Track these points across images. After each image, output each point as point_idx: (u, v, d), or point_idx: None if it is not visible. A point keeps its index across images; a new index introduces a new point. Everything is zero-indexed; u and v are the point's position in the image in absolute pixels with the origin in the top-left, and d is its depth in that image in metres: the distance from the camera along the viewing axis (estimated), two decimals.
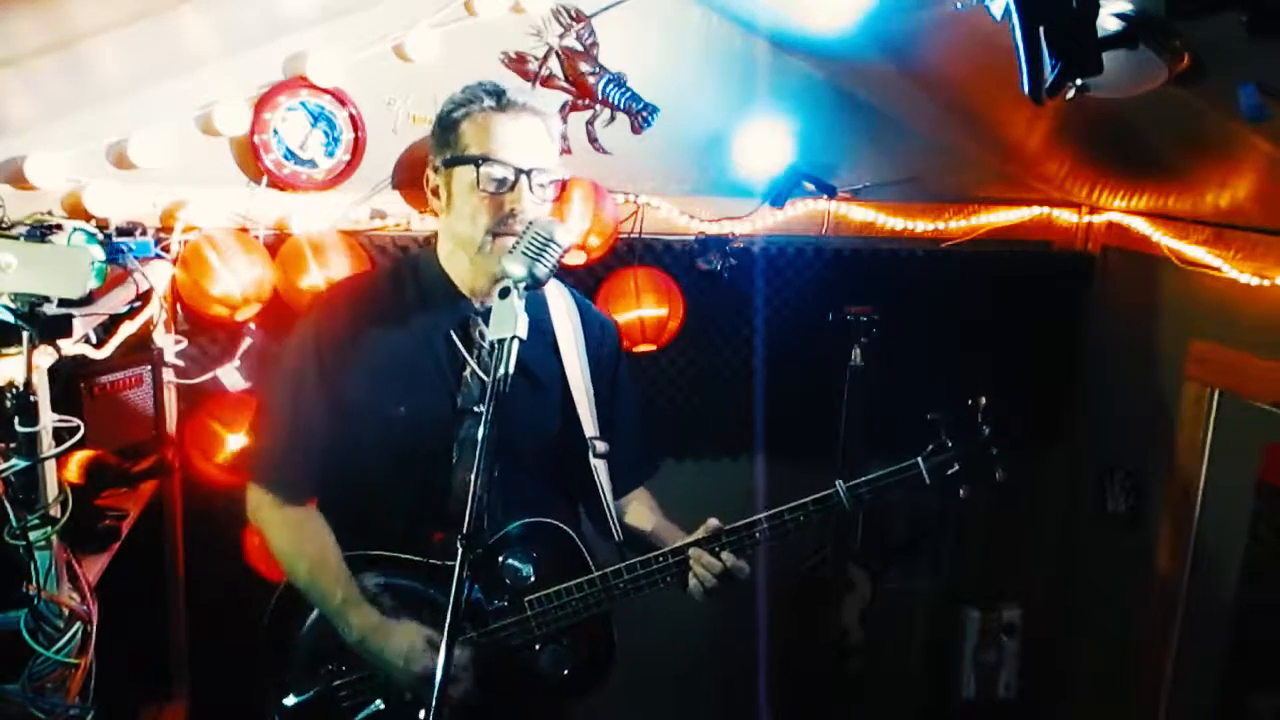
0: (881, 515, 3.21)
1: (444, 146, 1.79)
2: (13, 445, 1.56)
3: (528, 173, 1.73)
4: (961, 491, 1.85)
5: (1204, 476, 2.75)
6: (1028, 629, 3.28)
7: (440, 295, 1.85)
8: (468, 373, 1.83)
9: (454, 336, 1.83)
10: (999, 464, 1.84)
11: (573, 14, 2.60)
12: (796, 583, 3.02)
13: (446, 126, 1.79)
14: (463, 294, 1.85)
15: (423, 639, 1.76)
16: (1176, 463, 2.81)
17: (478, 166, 1.72)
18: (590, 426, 1.93)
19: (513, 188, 1.73)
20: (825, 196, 2.81)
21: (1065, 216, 3.10)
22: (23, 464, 1.55)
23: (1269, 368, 2.46)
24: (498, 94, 1.76)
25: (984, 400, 1.86)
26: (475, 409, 1.81)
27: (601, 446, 1.94)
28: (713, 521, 1.82)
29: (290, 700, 1.85)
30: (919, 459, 1.83)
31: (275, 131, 2.43)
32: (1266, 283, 2.43)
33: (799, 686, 3.08)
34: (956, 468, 1.83)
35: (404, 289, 1.88)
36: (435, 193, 1.83)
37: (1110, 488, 3.06)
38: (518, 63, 2.60)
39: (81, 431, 1.63)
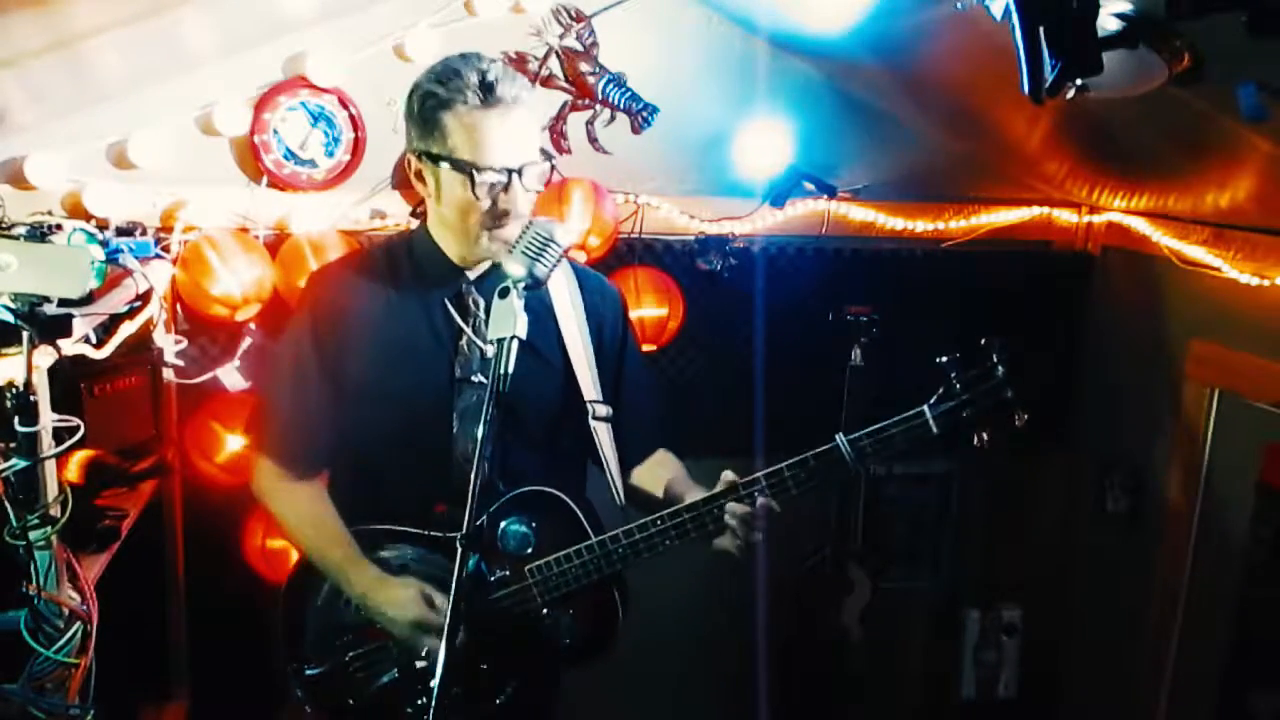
0: (882, 515, 3.21)
1: (426, 137, 1.73)
2: (13, 445, 1.56)
3: (518, 171, 1.72)
4: (976, 440, 1.71)
5: (1204, 476, 2.75)
6: (1028, 629, 3.28)
7: (433, 267, 1.85)
8: (464, 341, 1.83)
9: (449, 306, 1.84)
10: (1019, 407, 1.68)
11: (573, 14, 2.60)
12: (796, 582, 3.02)
13: (427, 117, 1.71)
14: (455, 264, 1.85)
15: (418, 592, 1.79)
16: (1176, 463, 2.81)
17: (471, 176, 1.69)
18: (590, 391, 1.91)
19: (506, 188, 1.72)
20: (825, 196, 2.81)
21: (1065, 216, 3.10)
22: (23, 464, 1.55)
23: (1269, 368, 2.46)
24: (488, 89, 1.68)
25: (997, 340, 1.70)
26: (474, 379, 1.82)
27: (602, 410, 1.92)
28: (727, 474, 1.78)
29: (308, 672, 1.88)
30: (925, 407, 1.71)
31: (275, 131, 2.43)
32: (1266, 283, 2.42)
33: (799, 686, 3.08)
34: (968, 414, 1.68)
35: (398, 263, 1.89)
36: (420, 177, 1.79)
37: (1110, 488, 3.06)
38: (518, 63, 2.60)
39: (81, 431, 1.63)
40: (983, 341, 1.71)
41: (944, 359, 1.71)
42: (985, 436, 1.70)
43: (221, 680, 2.52)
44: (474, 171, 1.69)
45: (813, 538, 3.01)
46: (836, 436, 1.74)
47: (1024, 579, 3.33)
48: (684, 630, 3.01)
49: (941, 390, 1.71)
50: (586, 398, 1.91)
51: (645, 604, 1.95)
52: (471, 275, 1.85)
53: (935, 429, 1.70)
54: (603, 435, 1.93)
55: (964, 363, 1.71)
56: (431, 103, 1.70)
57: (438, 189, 1.77)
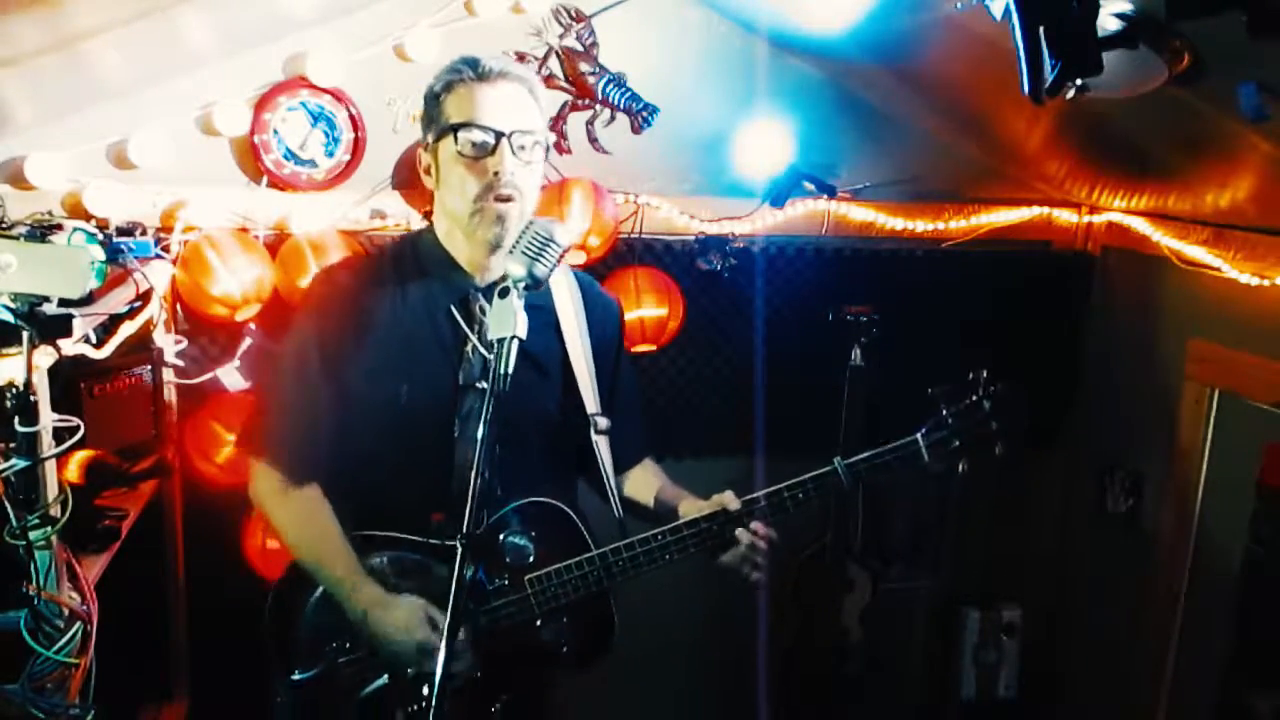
0: (882, 514, 3.21)
1: (430, 123, 1.81)
2: (13, 445, 1.55)
3: (508, 135, 1.74)
4: (960, 466, 1.84)
5: (1204, 476, 2.75)
6: (1028, 629, 3.28)
7: (440, 272, 1.86)
8: (469, 348, 1.83)
9: (455, 312, 1.84)
10: (999, 439, 1.82)
11: (573, 14, 2.60)
12: (796, 570, 3.01)
13: (430, 103, 1.81)
14: (463, 270, 1.85)
15: (423, 612, 1.77)
16: (1176, 463, 2.81)
17: (456, 133, 1.74)
18: (592, 404, 1.93)
19: (493, 151, 1.74)
20: (825, 196, 2.81)
21: (1065, 216, 3.10)
22: (23, 464, 1.55)
23: (1269, 368, 2.46)
24: (474, 64, 1.77)
25: (984, 374, 1.85)
26: (477, 385, 1.82)
27: (603, 423, 1.94)
28: (728, 494, 1.84)
29: (297, 676, 1.86)
30: (918, 435, 1.83)
31: (275, 131, 2.43)
32: (1266, 283, 2.43)
33: (799, 686, 3.08)
34: (957, 444, 1.82)
35: (404, 267, 1.89)
36: (427, 171, 1.85)
37: (1110, 488, 3.06)
38: (517, 62, 2.60)
39: (81, 431, 1.63)
40: (970, 375, 1.86)
41: (935, 390, 1.84)
42: (965, 466, 1.85)
43: (221, 680, 2.51)
44: (459, 128, 1.74)
45: (811, 528, 3.01)
46: (834, 460, 1.83)
47: (1024, 579, 3.33)
48: (684, 630, 3.01)
49: (933, 420, 1.84)
50: (589, 411, 1.92)
51: (645, 604, 1.96)
52: (480, 283, 1.85)
53: (926, 457, 1.83)
54: (603, 449, 1.94)
55: (953, 395, 1.84)
56: (435, 92, 1.80)
57: (437, 171, 1.81)
